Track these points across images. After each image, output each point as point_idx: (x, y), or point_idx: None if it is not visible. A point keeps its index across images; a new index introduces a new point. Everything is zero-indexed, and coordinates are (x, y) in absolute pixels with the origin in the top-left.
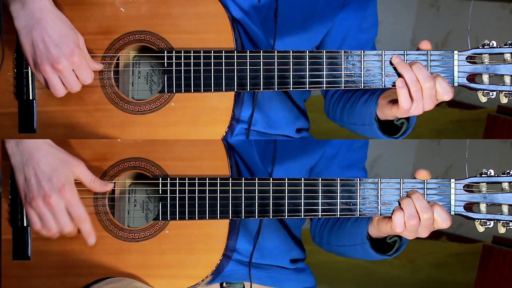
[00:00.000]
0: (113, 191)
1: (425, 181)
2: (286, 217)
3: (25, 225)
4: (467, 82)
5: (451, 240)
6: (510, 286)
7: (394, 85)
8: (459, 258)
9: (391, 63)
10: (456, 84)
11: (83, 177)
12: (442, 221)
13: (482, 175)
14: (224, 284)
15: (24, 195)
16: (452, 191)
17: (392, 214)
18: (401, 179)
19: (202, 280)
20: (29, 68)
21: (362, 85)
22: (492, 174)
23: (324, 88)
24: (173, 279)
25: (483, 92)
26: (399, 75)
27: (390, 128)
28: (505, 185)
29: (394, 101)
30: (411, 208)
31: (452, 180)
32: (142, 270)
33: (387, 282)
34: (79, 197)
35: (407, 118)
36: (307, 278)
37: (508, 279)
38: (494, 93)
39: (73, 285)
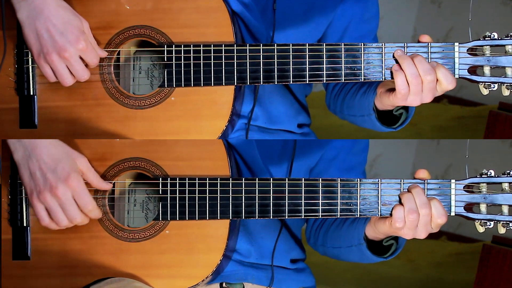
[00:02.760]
0: (113, 191)
1: (426, 181)
2: (286, 217)
3: (24, 225)
4: (468, 74)
5: (451, 239)
6: (510, 286)
7: (392, 77)
8: (459, 257)
9: (393, 57)
10: (457, 76)
11: (86, 171)
12: (438, 216)
13: (482, 176)
14: (224, 284)
15: (30, 190)
16: (453, 191)
17: (391, 211)
18: (401, 180)
19: (202, 280)
20: (30, 63)
21: (363, 78)
22: (492, 174)
23: (324, 81)
24: (173, 279)
25: (484, 84)
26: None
27: (389, 119)
28: (505, 186)
29: (393, 90)
30: (411, 202)
31: (453, 181)
32: (142, 270)
33: (386, 282)
34: (85, 185)
35: (406, 108)
36: (307, 278)
37: (507, 278)
38: (496, 85)
39: (73, 285)
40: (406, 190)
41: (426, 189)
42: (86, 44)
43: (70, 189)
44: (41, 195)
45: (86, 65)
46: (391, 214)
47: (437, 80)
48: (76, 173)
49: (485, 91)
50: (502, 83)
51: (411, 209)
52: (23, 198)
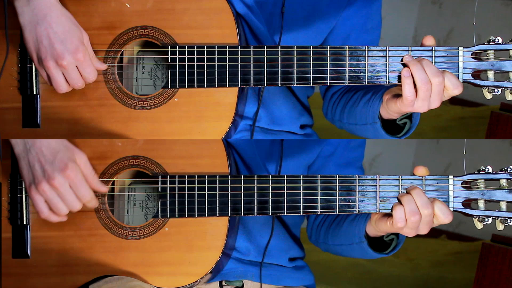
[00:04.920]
0: (112, 189)
1: (424, 177)
2: (285, 214)
3: (24, 223)
4: (472, 78)
5: (451, 238)
6: (509, 284)
7: (399, 81)
8: (458, 256)
9: (401, 62)
10: (461, 80)
11: (84, 168)
12: (444, 216)
13: (480, 172)
14: (223, 282)
15: (29, 183)
16: (451, 187)
17: (391, 210)
18: (400, 176)
19: (201, 278)
20: (33, 64)
21: (366, 81)
22: (490, 171)
23: (328, 84)
24: (172, 276)
25: (488, 89)
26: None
27: (392, 128)
28: (503, 182)
29: (399, 95)
30: (412, 204)
31: (451, 177)
32: (142, 268)
33: (386, 281)
34: (82, 176)
35: (410, 118)
36: (306, 276)
37: (507, 277)
38: (499, 89)
39: (73, 283)
40: (405, 191)
41: (424, 185)
42: (84, 56)
43: (67, 179)
44: (39, 186)
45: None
46: (391, 211)
47: (444, 86)
48: (74, 163)
49: (488, 95)
50: (506, 87)
51: (413, 211)
52: (23, 196)
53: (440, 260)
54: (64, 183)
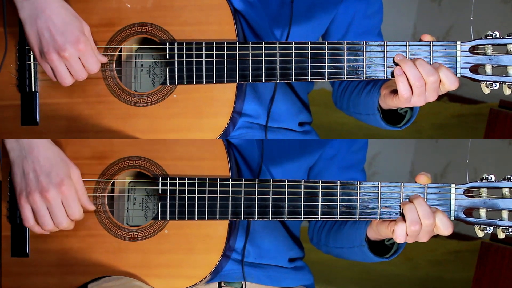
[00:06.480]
0: (112, 190)
1: (426, 185)
2: (285, 219)
3: None
4: (470, 73)
5: (450, 237)
6: (508, 283)
7: (393, 76)
8: (458, 255)
9: (394, 62)
10: (458, 75)
11: (76, 183)
12: (444, 228)
13: (483, 180)
14: (223, 283)
15: (20, 190)
16: (453, 196)
17: (394, 225)
18: (402, 183)
19: (200, 281)
20: (32, 60)
21: (364, 76)
22: (493, 179)
23: (326, 79)
24: (172, 278)
25: (486, 84)
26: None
27: (394, 117)
28: (506, 191)
29: (396, 91)
30: (414, 214)
31: (453, 185)
32: (141, 269)
33: (385, 280)
34: (76, 193)
35: (411, 107)
36: (306, 276)
37: (506, 276)
38: (497, 84)
39: (72, 283)
40: (407, 199)
41: (426, 193)
42: (85, 46)
43: (61, 195)
44: (30, 195)
45: None
46: (395, 216)
47: (440, 80)
48: (69, 179)
49: (486, 90)
50: (504, 82)
51: (414, 221)
52: None
53: (439, 259)
54: (56, 198)
